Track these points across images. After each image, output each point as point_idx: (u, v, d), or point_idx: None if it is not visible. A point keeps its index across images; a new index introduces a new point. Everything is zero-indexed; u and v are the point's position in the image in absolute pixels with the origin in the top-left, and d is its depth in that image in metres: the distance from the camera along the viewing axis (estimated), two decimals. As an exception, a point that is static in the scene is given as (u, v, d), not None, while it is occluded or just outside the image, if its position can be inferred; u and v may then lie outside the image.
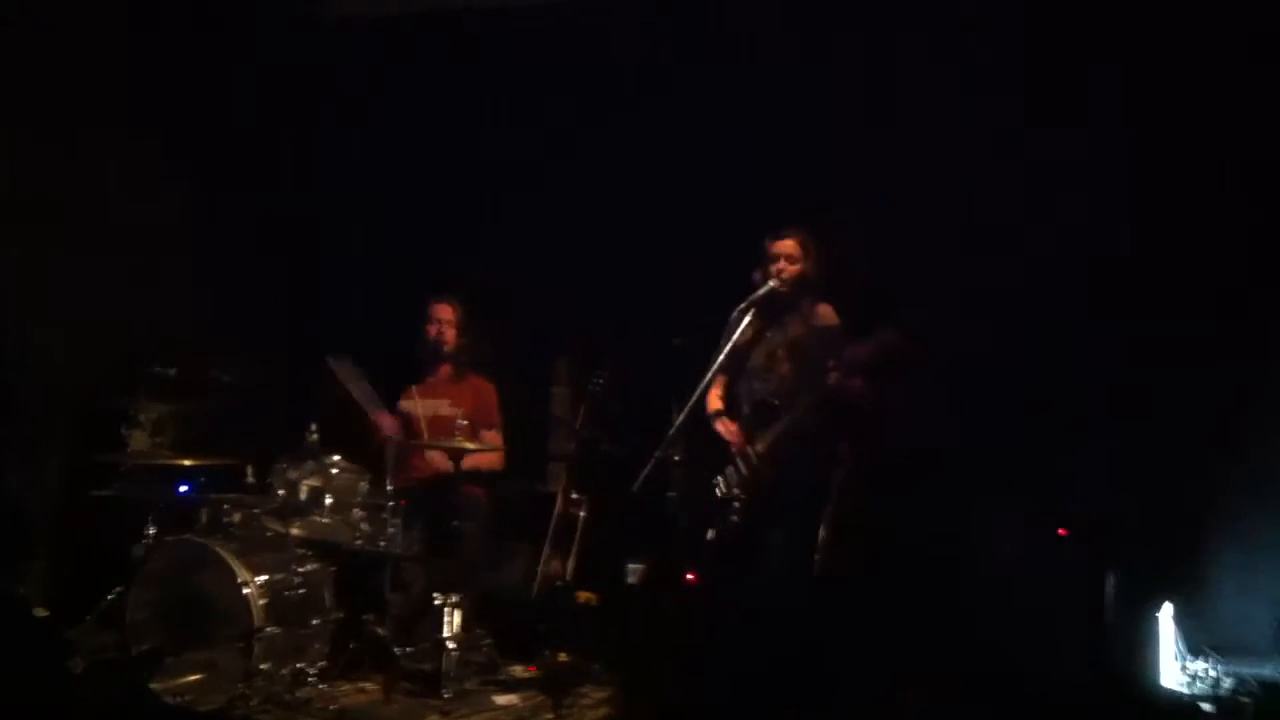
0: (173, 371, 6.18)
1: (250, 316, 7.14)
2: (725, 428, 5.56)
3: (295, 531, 5.75)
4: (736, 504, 5.32)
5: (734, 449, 5.51)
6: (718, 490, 5.44)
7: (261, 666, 5.18)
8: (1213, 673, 5.59)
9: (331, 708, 5.28)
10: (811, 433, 5.32)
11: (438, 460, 6.25)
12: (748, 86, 6.75)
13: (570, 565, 6.48)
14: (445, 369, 6.59)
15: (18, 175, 6.19)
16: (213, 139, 7.05)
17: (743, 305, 5.42)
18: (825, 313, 5.50)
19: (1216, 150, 6.01)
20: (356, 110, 7.55)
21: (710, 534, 5.37)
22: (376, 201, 7.52)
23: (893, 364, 5.27)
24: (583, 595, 6.36)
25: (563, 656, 5.97)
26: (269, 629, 5.23)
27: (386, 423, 6.38)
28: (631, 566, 6.34)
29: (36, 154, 6.29)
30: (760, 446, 5.32)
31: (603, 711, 5.55)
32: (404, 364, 6.59)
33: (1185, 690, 5.58)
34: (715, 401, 5.66)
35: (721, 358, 5.41)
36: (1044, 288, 6.11)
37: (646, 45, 6.99)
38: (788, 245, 5.49)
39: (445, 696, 5.49)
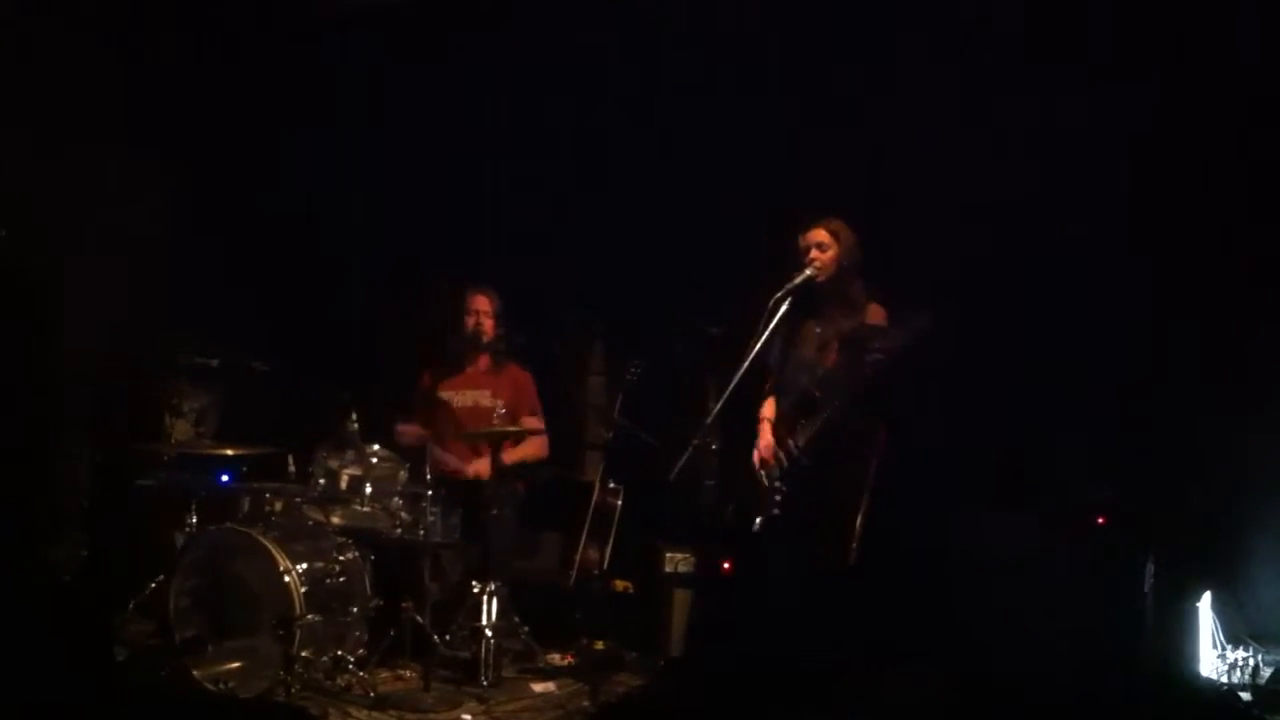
0: (215, 362, 6.24)
1: (281, 311, 7.15)
2: (762, 438, 5.53)
3: (335, 520, 5.81)
4: (779, 496, 5.32)
5: (763, 451, 5.48)
6: (763, 481, 5.43)
7: (302, 654, 5.21)
8: (1251, 661, 5.57)
9: (370, 695, 5.33)
10: (851, 426, 5.32)
11: (478, 466, 6.31)
12: (784, 73, 6.75)
13: (607, 554, 6.50)
14: (483, 360, 6.61)
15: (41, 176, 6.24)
16: (221, 132, 7.00)
17: (779, 294, 5.39)
18: (876, 311, 5.48)
19: (1213, 139, 5.93)
20: (384, 96, 7.45)
21: (756, 524, 5.38)
22: (407, 192, 7.49)
23: (923, 348, 5.26)
24: (619, 584, 6.39)
25: (599, 644, 6.01)
26: (309, 616, 5.26)
27: (408, 431, 6.49)
28: (670, 555, 6.36)
29: (40, 154, 6.32)
30: (801, 440, 5.32)
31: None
32: (440, 355, 6.62)
33: (1223, 679, 5.56)
34: (768, 409, 5.63)
35: (759, 346, 5.39)
36: (1066, 272, 6.08)
37: (685, 29, 6.96)
38: (817, 234, 5.46)
39: (483, 684, 5.54)
